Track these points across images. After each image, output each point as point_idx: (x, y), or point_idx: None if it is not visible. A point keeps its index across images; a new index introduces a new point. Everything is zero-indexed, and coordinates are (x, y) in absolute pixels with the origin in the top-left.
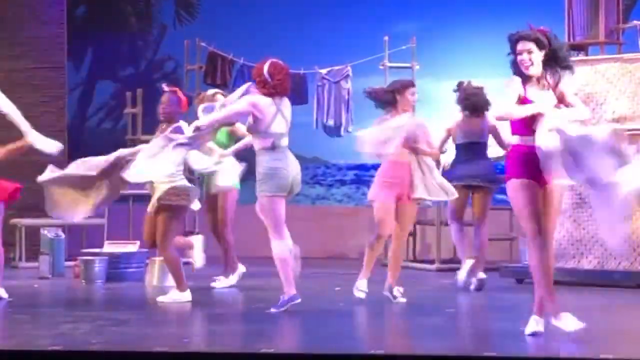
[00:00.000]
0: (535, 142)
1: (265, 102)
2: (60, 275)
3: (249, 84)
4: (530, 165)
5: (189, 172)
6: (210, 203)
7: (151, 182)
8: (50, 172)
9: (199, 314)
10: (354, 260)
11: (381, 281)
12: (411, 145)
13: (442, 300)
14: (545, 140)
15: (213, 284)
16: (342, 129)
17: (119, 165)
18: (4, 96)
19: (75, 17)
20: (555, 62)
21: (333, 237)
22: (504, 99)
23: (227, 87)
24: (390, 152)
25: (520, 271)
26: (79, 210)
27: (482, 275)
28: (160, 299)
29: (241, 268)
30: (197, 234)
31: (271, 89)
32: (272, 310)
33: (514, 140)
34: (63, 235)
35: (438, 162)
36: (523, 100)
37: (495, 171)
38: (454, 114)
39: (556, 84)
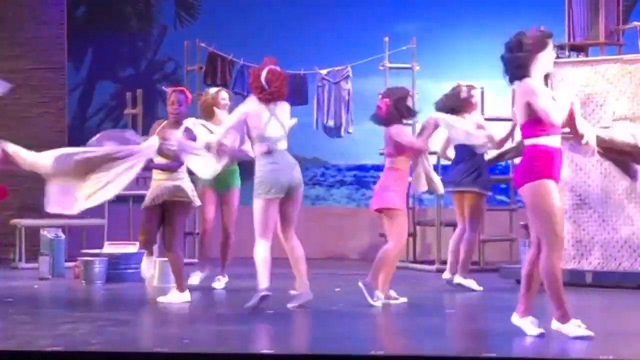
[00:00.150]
0: (556, 142)
1: (256, 109)
2: (60, 275)
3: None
4: (558, 166)
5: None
6: (219, 200)
7: (153, 178)
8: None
9: (199, 314)
10: (354, 261)
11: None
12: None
13: (442, 301)
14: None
15: (214, 284)
16: (342, 129)
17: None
18: None
19: (75, 18)
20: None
21: (333, 237)
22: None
23: (228, 87)
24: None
25: (520, 272)
26: (75, 203)
27: (456, 278)
28: (160, 299)
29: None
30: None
31: (268, 96)
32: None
33: (542, 140)
34: (63, 236)
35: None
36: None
37: (487, 176)
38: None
39: None
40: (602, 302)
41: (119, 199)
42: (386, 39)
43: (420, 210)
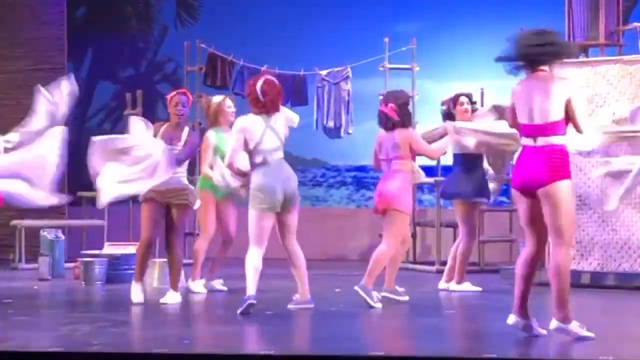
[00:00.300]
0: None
1: (251, 123)
2: (60, 276)
3: None
4: None
5: (189, 174)
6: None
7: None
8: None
9: (199, 315)
10: (353, 261)
11: (382, 282)
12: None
13: (441, 302)
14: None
15: (191, 286)
16: (342, 130)
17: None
18: None
19: (75, 18)
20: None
21: (333, 238)
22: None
23: (227, 88)
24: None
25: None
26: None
27: (451, 285)
28: (163, 300)
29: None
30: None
31: (262, 108)
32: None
33: (562, 140)
34: (63, 237)
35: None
36: None
37: (483, 187)
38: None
39: None
40: (601, 303)
41: (119, 200)
42: (386, 39)
43: (420, 211)
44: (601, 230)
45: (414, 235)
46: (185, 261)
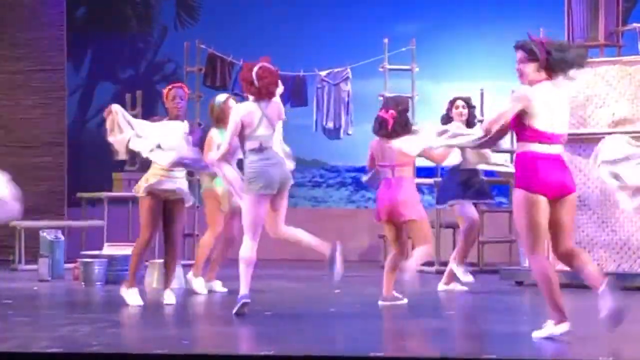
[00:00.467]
0: None
1: (249, 109)
2: (59, 277)
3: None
4: None
5: (189, 174)
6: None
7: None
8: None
9: (199, 316)
10: (353, 262)
11: (382, 283)
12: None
13: (441, 303)
14: None
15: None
16: (342, 131)
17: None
18: None
19: (75, 19)
20: (562, 70)
21: (332, 239)
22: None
23: (227, 89)
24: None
25: (520, 274)
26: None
27: (453, 265)
28: (167, 301)
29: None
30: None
31: (256, 93)
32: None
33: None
34: (62, 238)
35: None
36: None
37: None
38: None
39: None
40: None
41: (118, 201)
42: (386, 40)
43: None
44: (600, 231)
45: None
46: (184, 262)
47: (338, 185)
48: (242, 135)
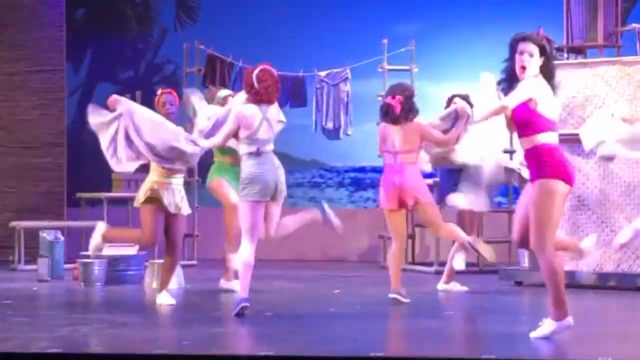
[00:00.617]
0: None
1: (250, 112)
2: (59, 277)
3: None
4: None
5: (188, 175)
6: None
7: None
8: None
9: (198, 316)
10: (353, 262)
11: (381, 283)
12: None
13: (441, 303)
14: None
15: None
16: (341, 131)
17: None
18: None
19: (75, 20)
20: (552, 76)
21: (332, 239)
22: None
23: (227, 89)
24: None
25: (519, 274)
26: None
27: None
28: (168, 303)
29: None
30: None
31: (256, 95)
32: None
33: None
34: (62, 238)
35: None
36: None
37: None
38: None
39: None
40: (600, 304)
41: (118, 201)
42: (385, 40)
43: None
44: (600, 231)
45: (412, 236)
46: (184, 262)
47: (337, 186)
48: (240, 137)
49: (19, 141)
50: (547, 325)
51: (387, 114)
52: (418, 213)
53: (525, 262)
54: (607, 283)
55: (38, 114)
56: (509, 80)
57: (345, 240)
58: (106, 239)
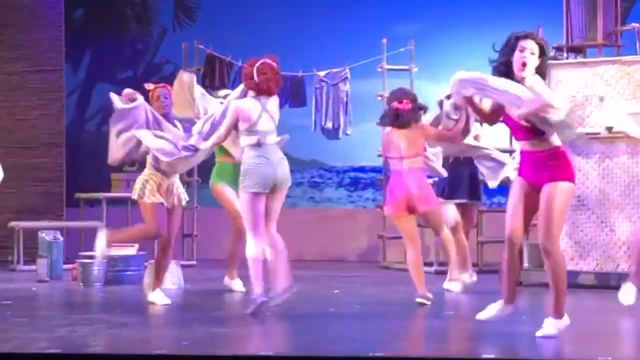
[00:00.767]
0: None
1: (248, 105)
2: (58, 278)
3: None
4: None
5: (187, 175)
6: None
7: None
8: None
9: (198, 316)
10: (352, 262)
11: (381, 283)
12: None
13: (440, 303)
14: None
15: (234, 287)
16: (341, 131)
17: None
18: None
19: (74, 20)
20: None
21: (332, 239)
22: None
23: (226, 89)
24: None
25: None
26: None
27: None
28: (164, 302)
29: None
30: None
31: (255, 87)
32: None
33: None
34: (61, 238)
35: None
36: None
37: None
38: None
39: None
40: (600, 303)
41: (117, 202)
42: (384, 40)
43: None
44: (599, 230)
45: None
46: (184, 262)
47: (337, 186)
48: (240, 129)
49: (18, 141)
50: (551, 324)
51: (397, 118)
52: (423, 216)
53: (525, 262)
54: (606, 283)
55: (37, 114)
56: (503, 77)
57: (344, 240)
58: (111, 244)
